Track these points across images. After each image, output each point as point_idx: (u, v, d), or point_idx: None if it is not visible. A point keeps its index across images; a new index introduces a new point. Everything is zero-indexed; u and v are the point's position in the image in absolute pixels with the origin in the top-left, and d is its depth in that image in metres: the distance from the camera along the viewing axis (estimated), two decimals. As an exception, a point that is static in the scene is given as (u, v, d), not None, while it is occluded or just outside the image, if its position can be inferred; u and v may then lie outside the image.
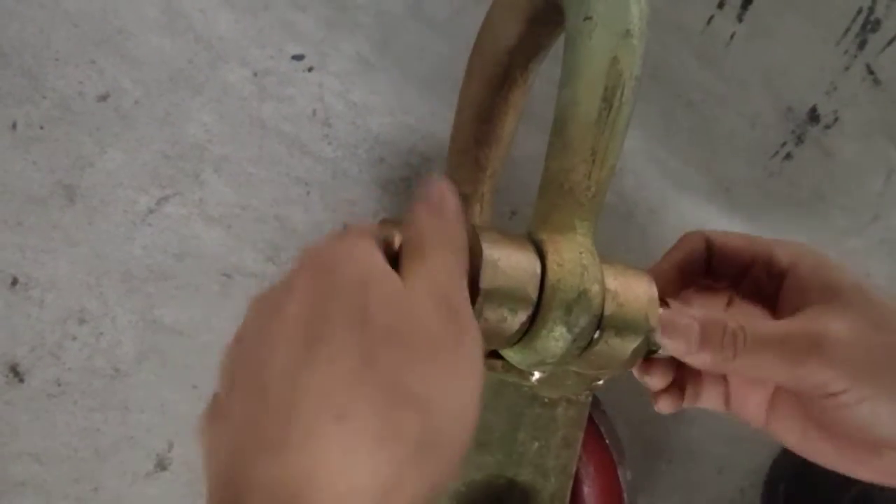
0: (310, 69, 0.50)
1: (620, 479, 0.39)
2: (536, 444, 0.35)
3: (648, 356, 0.34)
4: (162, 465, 0.45)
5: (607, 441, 0.38)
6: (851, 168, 0.60)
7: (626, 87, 0.32)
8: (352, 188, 0.49)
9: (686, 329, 0.31)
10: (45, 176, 0.45)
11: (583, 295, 0.30)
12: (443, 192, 0.28)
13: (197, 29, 0.49)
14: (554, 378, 0.35)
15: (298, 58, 0.50)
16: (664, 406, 0.36)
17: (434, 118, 0.52)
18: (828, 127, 0.60)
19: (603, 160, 0.33)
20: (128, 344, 0.44)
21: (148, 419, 0.44)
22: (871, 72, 0.62)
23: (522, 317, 0.30)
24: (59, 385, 0.43)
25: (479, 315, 0.29)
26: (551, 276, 0.30)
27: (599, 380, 0.36)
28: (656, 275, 0.36)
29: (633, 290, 0.32)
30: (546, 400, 0.35)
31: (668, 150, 0.55)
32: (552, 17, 0.39)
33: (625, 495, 0.39)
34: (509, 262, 0.30)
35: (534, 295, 0.30)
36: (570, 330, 0.30)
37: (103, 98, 0.47)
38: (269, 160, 0.48)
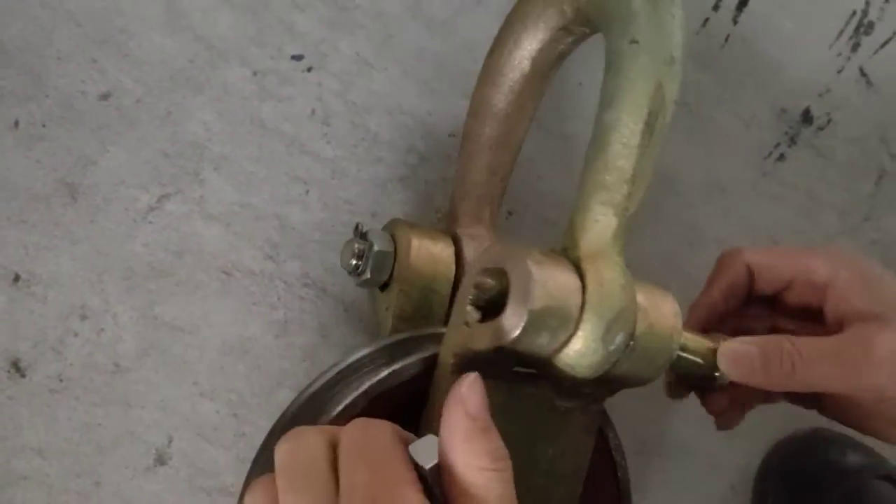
0: (309, 69, 0.51)
1: (621, 481, 0.39)
2: (550, 452, 0.35)
3: (709, 384, 0.36)
4: (161, 460, 0.45)
5: (611, 444, 0.39)
6: (844, 169, 0.61)
7: (667, 112, 0.33)
8: (350, 187, 0.50)
9: (746, 355, 0.35)
10: (47, 174, 0.45)
11: (621, 314, 0.31)
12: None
13: (197, 29, 0.49)
14: (573, 389, 0.35)
15: (298, 58, 0.51)
16: (726, 424, 0.40)
17: (432, 118, 0.53)
18: (821, 128, 0.61)
19: (642, 181, 0.33)
20: (129, 340, 0.45)
21: (148, 415, 0.45)
22: (863, 74, 0.63)
23: (563, 336, 0.30)
24: (61, 380, 0.44)
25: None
26: (592, 295, 0.30)
27: (616, 391, 0.37)
28: (706, 304, 0.39)
29: (661, 310, 0.33)
30: (562, 409, 0.35)
31: (664, 149, 0.56)
32: (581, 28, 0.40)
33: (624, 498, 0.39)
34: (556, 283, 0.30)
35: (576, 314, 0.30)
36: (605, 347, 0.31)
37: (105, 97, 0.47)
38: (268, 159, 0.49)
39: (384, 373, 0.33)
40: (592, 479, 0.37)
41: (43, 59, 0.47)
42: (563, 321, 0.30)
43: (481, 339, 0.31)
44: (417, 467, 0.25)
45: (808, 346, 0.34)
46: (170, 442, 0.45)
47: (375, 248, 0.42)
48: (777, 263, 0.39)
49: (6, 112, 0.46)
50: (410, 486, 0.24)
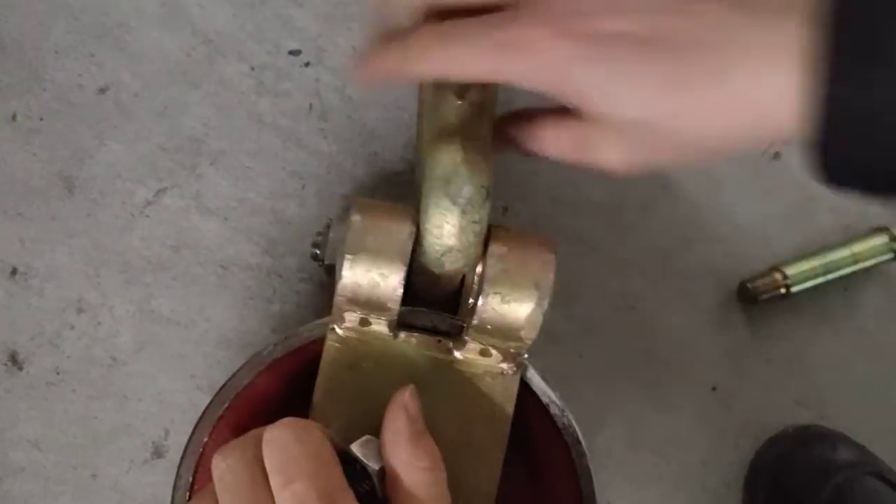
0: (307, 64, 0.51)
1: (576, 465, 0.38)
2: (459, 421, 0.34)
3: None
4: (158, 453, 0.45)
5: (559, 426, 0.37)
6: (838, 167, 0.61)
7: None
8: (346, 182, 0.50)
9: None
10: (44, 167, 0.46)
11: (460, 166, 0.31)
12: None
13: (195, 23, 0.49)
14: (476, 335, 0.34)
15: (296, 53, 0.51)
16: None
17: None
18: (816, 126, 0.61)
19: None
20: (125, 333, 0.45)
21: (145, 407, 0.45)
22: (859, 72, 0.63)
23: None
24: (58, 373, 0.44)
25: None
26: (427, 160, 0.32)
27: (521, 348, 0.35)
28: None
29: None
30: (468, 374, 0.35)
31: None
32: None
33: (581, 482, 0.38)
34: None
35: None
36: (454, 202, 0.31)
37: (102, 91, 0.47)
38: (265, 154, 0.49)
39: (270, 346, 0.35)
40: (544, 460, 0.36)
41: (40, 53, 0.47)
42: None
43: None
44: (361, 468, 0.26)
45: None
46: (166, 434, 0.46)
47: (331, 234, 0.40)
48: None
49: (3, 105, 0.46)
50: (349, 494, 0.25)
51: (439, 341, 0.35)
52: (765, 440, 0.56)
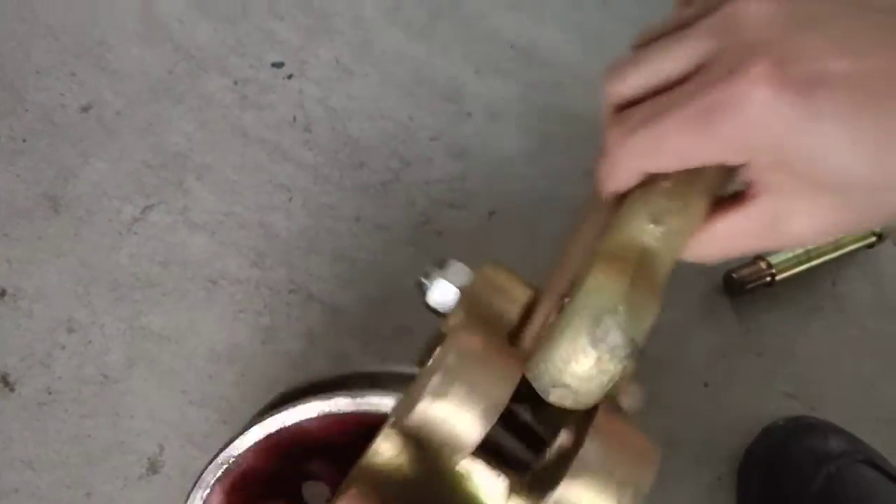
0: (289, 76, 0.51)
1: None
2: None
3: None
4: (153, 469, 0.45)
5: None
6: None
7: None
8: (333, 193, 0.50)
9: None
10: (29, 188, 0.46)
11: (620, 308, 0.26)
12: None
13: (176, 39, 0.50)
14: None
15: (278, 65, 0.51)
16: None
17: (413, 122, 0.53)
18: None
19: None
20: (116, 351, 0.45)
21: (138, 424, 0.45)
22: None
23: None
24: (50, 393, 0.44)
25: None
26: (584, 278, 0.27)
27: None
28: None
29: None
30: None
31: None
32: None
33: None
34: None
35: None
36: (594, 345, 0.26)
37: (85, 109, 0.47)
38: (251, 167, 0.49)
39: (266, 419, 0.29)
40: None
41: (21, 74, 0.47)
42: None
43: None
44: None
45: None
46: (161, 450, 0.46)
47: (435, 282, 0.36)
48: None
49: (-13, 127, 0.46)
50: None
51: (499, 475, 0.28)
52: (757, 432, 0.56)
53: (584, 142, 0.52)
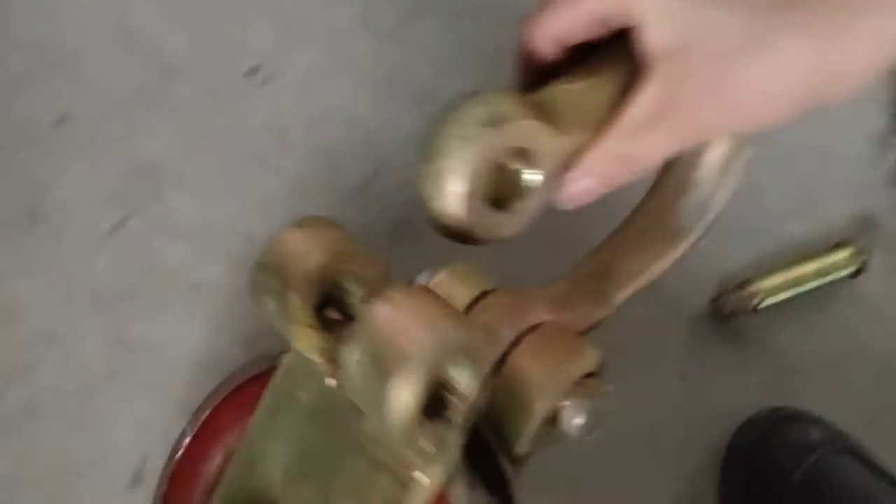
0: (264, 83, 0.51)
1: None
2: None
3: None
4: (138, 480, 0.45)
5: None
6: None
7: None
8: (310, 197, 0.51)
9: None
10: (5, 200, 0.45)
11: None
12: None
13: (149, 49, 0.50)
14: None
15: (253, 72, 0.51)
16: None
17: (389, 124, 0.53)
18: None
19: None
20: (97, 363, 0.45)
21: (122, 435, 0.45)
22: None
23: None
24: (32, 408, 0.44)
25: None
26: None
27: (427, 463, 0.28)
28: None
29: None
30: (373, 458, 0.29)
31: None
32: None
33: None
34: None
35: None
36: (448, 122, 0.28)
37: (60, 121, 0.47)
38: (228, 174, 0.49)
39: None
40: None
41: (-6, 87, 0.47)
42: None
43: None
44: None
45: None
46: (145, 461, 0.46)
47: None
48: None
49: (-40, 141, 0.46)
50: None
51: None
52: (740, 423, 0.57)
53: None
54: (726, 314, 0.57)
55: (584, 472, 0.53)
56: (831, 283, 0.59)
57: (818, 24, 0.28)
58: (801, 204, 0.59)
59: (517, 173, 0.29)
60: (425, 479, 0.28)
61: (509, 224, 0.32)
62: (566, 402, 0.34)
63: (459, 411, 0.27)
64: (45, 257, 0.45)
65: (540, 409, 0.33)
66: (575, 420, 0.35)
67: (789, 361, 0.59)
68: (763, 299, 0.56)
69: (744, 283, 0.57)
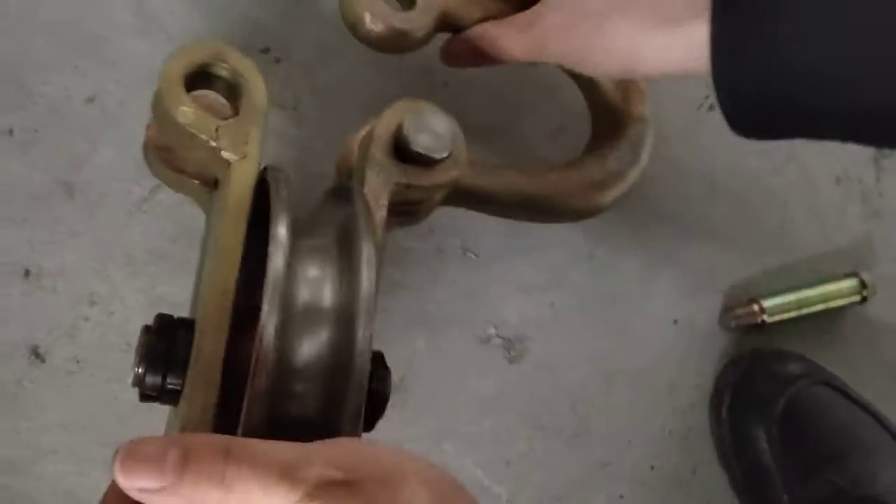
0: (277, 61, 0.55)
1: None
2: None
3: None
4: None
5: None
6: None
7: None
8: (323, 165, 0.54)
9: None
10: (44, 175, 0.49)
11: None
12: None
13: (168, 30, 0.53)
14: None
15: (265, 51, 0.55)
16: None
17: (396, 96, 0.57)
18: (744, 78, 0.67)
19: None
20: (136, 320, 0.49)
21: (160, 387, 0.49)
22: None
23: None
24: (78, 362, 0.48)
25: None
26: None
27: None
28: None
29: None
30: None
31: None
32: None
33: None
34: None
35: None
36: None
37: (90, 100, 0.51)
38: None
39: None
40: None
41: (27, 69, 0.50)
42: None
43: None
44: None
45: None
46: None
47: None
48: None
49: (0, 120, 0.49)
50: None
51: None
52: (723, 364, 0.62)
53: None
54: (732, 327, 0.61)
55: (586, 414, 0.58)
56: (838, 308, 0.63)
57: (641, 17, 0.40)
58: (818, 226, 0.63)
59: None
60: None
61: (417, 20, 0.48)
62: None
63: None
64: (82, 226, 0.49)
65: None
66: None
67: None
68: (769, 316, 0.61)
69: (751, 300, 0.61)
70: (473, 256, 0.57)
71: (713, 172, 0.64)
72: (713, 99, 0.65)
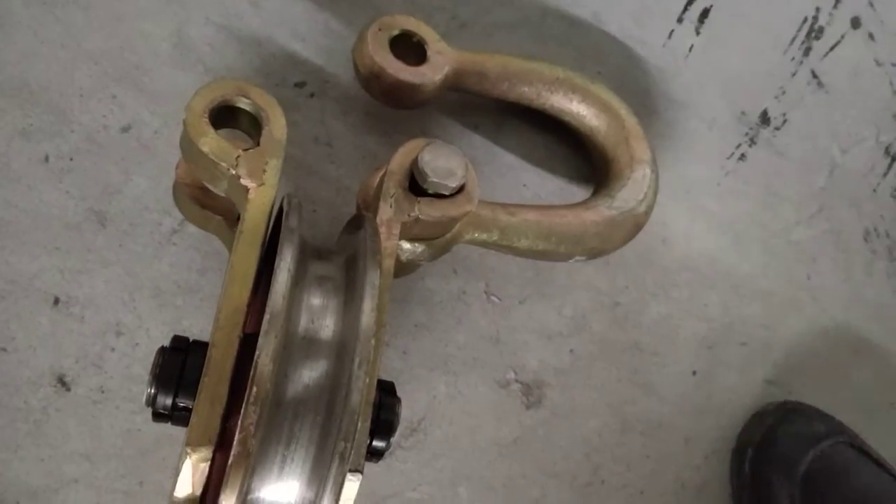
0: (312, 95, 0.55)
1: None
2: None
3: None
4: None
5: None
6: (798, 165, 0.67)
7: None
8: (353, 203, 0.55)
9: None
10: (77, 203, 0.50)
11: None
12: None
13: (206, 62, 0.53)
14: None
15: (301, 85, 0.55)
16: None
17: (426, 134, 0.57)
18: (777, 128, 0.67)
19: None
20: (162, 352, 0.49)
21: (181, 418, 0.50)
22: (815, 76, 0.68)
23: None
24: (103, 392, 0.48)
25: None
26: None
27: None
28: None
29: None
30: None
31: (636, 157, 0.60)
32: None
33: None
34: None
35: None
36: None
37: (125, 129, 0.51)
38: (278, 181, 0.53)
39: None
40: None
41: (66, 97, 0.51)
42: None
43: None
44: None
45: None
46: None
47: None
48: None
49: (36, 147, 0.50)
50: None
51: None
52: (747, 418, 0.62)
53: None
54: None
55: (600, 462, 0.58)
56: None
57: None
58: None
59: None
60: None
61: (428, 75, 0.51)
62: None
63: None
64: (113, 256, 0.50)
65: None
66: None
67: (791, 360, 0.63)
68: None
69: None
70: (497, 300, 0.57)
71: (741, 223, 0.64)
72: (745, 148, 0.65)
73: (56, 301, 0.48)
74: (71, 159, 0.50)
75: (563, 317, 0.58)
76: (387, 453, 0.40)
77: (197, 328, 0.50)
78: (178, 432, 0.50)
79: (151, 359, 0.48)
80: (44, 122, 0.50)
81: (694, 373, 0.61)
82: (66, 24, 0.52)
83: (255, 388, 0.31)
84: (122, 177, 0.51)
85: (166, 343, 0.41)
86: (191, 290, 0.51)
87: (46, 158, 0.50)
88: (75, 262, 0.49)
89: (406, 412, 0.53)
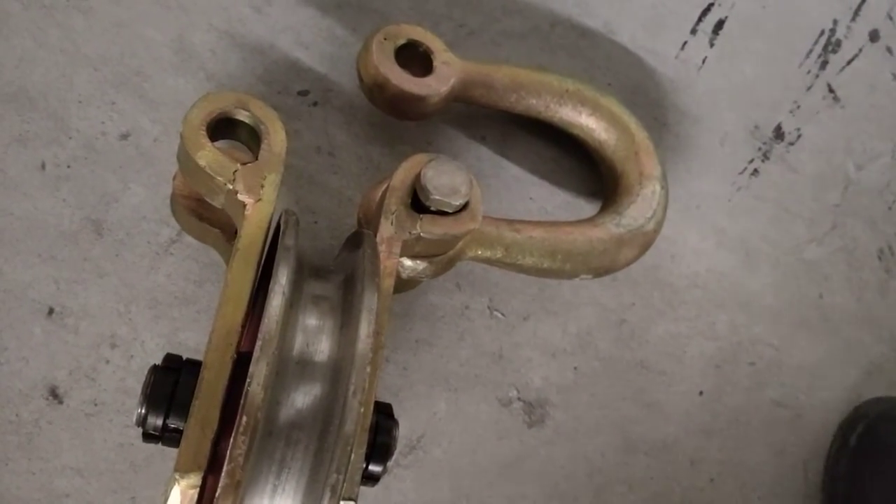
0: (314, 104, 0.54)
1: None
2: None
3: None
4: (189, 473, 0.49)
5: None
6: (812, 181, 0.65)
7: None
8: (355, 214, 0.54)
9: None
10: (73, 212, 0.49)
11: None
12: None
13: (208, 69, 0.52)
14: None
15: (303, 93, 0.54)
16: None
17: (430, 146, 0.56)
18: (791, 143, 0.65)
19: None
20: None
21: (176, 432, 0.49)
22: (831, 90, 0.67)
23: None
24: (96, 405, 0.47)
25: None
26: None
27: None
28: None
29: None
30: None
31: (645, 171, 0.59)
32: None
33: None
34: None
35: None
36: None
37: (124, 137, 0.50)
38: (280, 191, 0.52)
39: None
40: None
41: (65, 103, 0.50)
42: None
43: None
44: None
45: None
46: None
47: None
48: None
49: (33, 154, 0.49)
50: None
51: None
52: (745, 436, 0.60)
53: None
54: None
55: (603, 483, 0.57)
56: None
57: None
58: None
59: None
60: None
61: (433, 87, 0.50)
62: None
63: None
64: (109, 266, 0.49)
65: None
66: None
67: (799, 381, 0.62)
68: None
69: None
70: (500, 316, 0.55)
71: (752, 240, 0.63)
72: (758, 163, 0.64)
73: (50, 311, 0.48)
74: (68, 167, 0.49)
75: (567, 334, 0.57)
76: (383, 477, 0.39)
77: (193, 341, 0.49)
78: (171, 448, 0.49)
79: (145, 372, 0.47)
80: (41, 129, 0.49)
81: (700, 393, 0.59)
82: (66, 29, 0.51)
83: (244, 418, 0.30)
84: (119, 185, 0.50)
85: (161, 356, 0.40)
86: (188, 302, 0.50)
87: (43, 166, 0.49)
88: (70, 271, 0.48)
89: (405, 429, 0.52)
